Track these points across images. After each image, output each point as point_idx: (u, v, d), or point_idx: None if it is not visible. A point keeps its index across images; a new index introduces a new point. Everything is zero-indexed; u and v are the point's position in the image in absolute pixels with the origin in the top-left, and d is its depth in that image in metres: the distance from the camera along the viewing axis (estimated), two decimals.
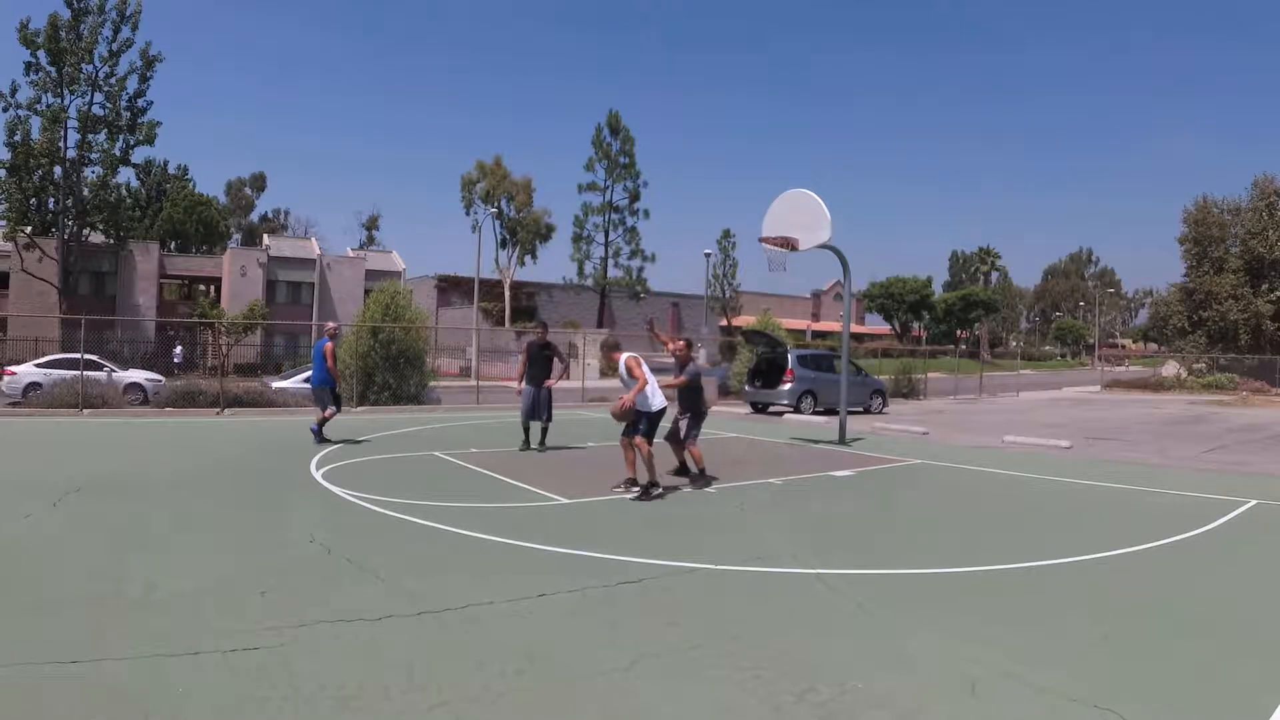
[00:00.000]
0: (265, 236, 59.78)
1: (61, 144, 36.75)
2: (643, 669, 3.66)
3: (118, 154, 38.26)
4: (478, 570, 5.24)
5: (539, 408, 11.57)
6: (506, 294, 48.63)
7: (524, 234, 48.51)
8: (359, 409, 17.30)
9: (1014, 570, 5.59)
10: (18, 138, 35.82)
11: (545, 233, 49.26)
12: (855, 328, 66.58)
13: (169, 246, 57.28)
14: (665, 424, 8.60)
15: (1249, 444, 14.87)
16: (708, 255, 46.77)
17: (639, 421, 8.02)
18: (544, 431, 11.73)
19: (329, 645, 3.84)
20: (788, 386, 19.42)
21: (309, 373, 21.23)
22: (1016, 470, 10.67)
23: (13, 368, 22.48)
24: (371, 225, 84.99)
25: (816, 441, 13.63)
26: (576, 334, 35.41)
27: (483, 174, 48.82)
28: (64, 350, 25.29)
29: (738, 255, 58.08)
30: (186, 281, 50.50)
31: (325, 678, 3.44)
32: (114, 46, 37.05)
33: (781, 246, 13.15)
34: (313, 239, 56.94)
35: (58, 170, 37.39)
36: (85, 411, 15.21)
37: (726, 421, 17.42)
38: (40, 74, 36.00)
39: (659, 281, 63.31)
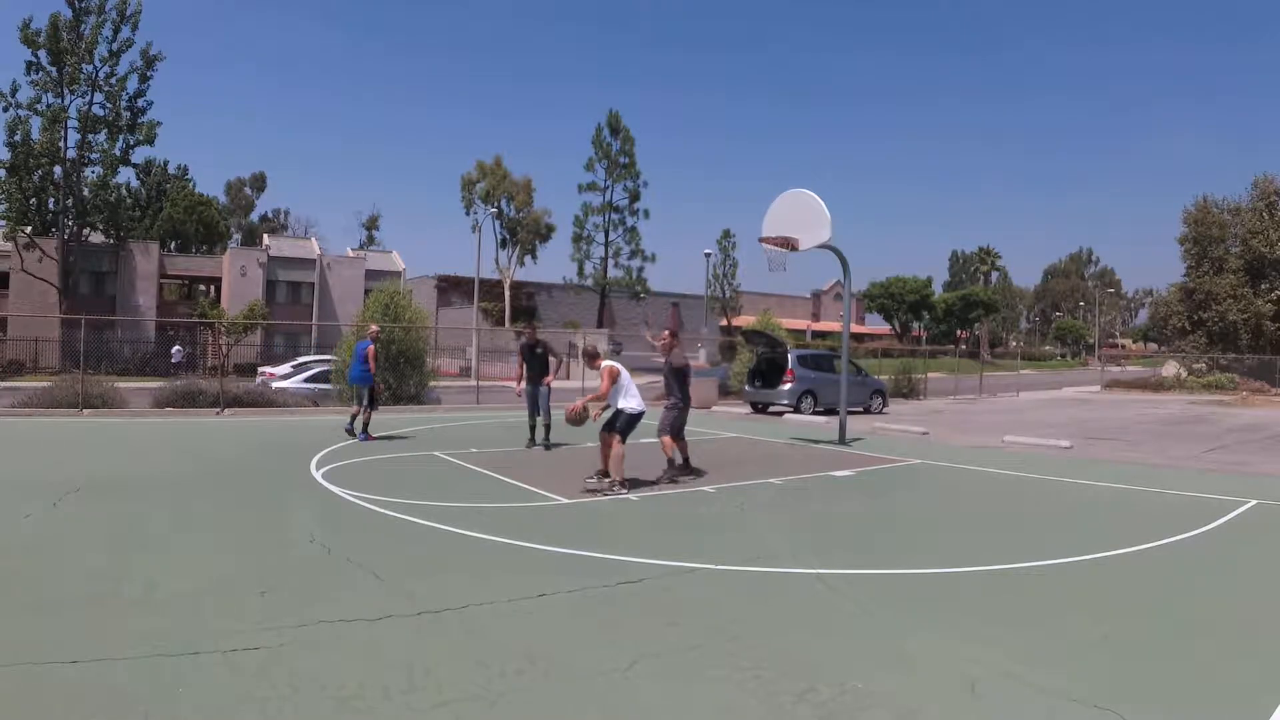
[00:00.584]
0: (265, 236, 59.80)
1: (62, 144, 36.78)
2: (643, 669, 3.66)
3: (118, 154, 38.31)
4: (478, 570, 5.24)
5: (540, 406, 11.82)
6: (506, 294, 48.63)
7: (524, 234, 48.52)
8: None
9: (1014, 570, 5.59)
10: (18, 138, 35.86)
11: (545, 233, 49.28)
12: (855, 328, 66.60)
13: (169, 246, 57.29)
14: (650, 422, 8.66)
15: (1249, 444, 14.87)
16: (708, 255, 46.80)
17: (617, 420, 8.32)
18: (546, 429, 11.89)
19: (329, 645, 3.84)
20: (788, 386, 19.41)
21: (309, 373, 21.42)
22: (1016, 470, 10.67)
23: (271, 369, 23.46)
24: (371, 225, 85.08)
25: (816, 441, 13.63)
26: (576, 334, 35.41)
27: (483, 174, 48.82)
28: (64, 350, 25.34)
29: (738, 255, 58.14)
30: (186, 281, 50.52)
31: (325, 678, 3.44)
32: (114, 46, 37.12)
33: (781, 246, 13.16)
34: (313, 239, 56.97)
35: (58, 170, 37.42)
36: (85, 411, 15.21)
37: (726, 421, 17.42)
38: (41, 74, 36.04)
39: (659, 281, 63.33)
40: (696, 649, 3.92)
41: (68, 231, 38.30)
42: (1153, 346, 71.19)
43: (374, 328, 13.40)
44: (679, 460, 9.21)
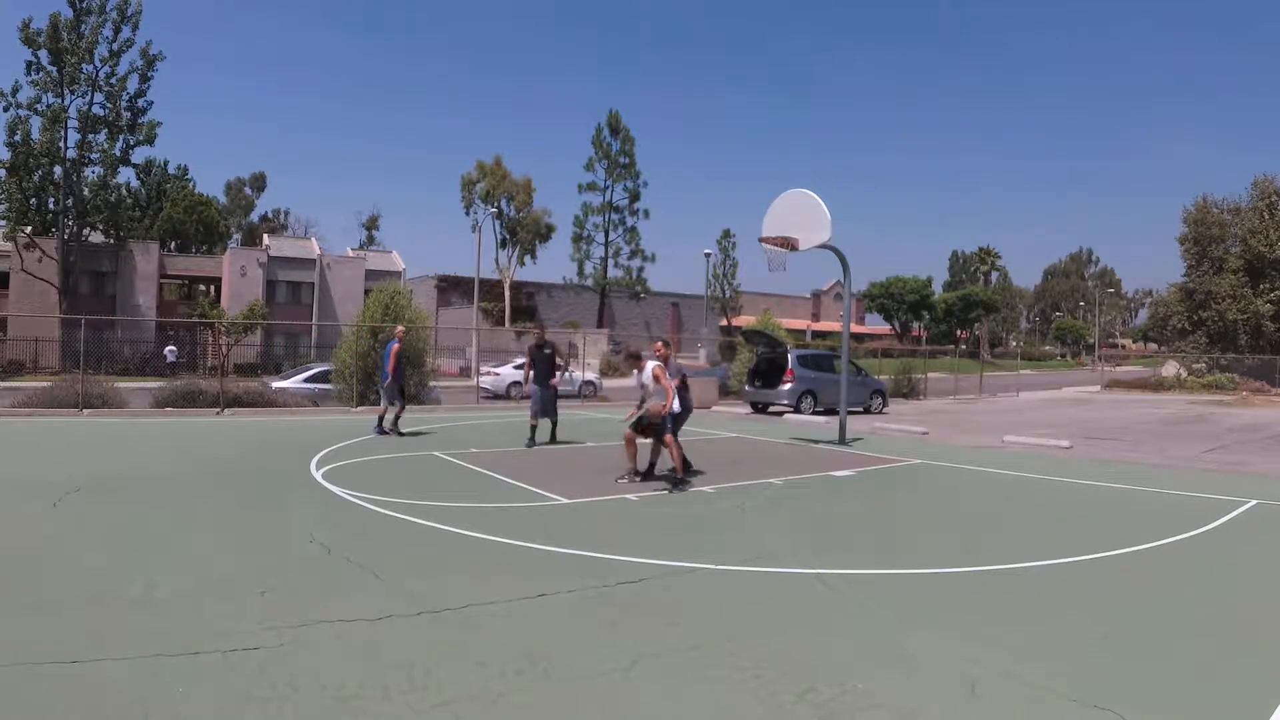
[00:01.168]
0: (265, 236, 59.77)
1: (62, 144, 36.78)
2: (643, 669, 3.66)
3: (118, 154, 38.32)
4: (478, 570, 5.24)
5: (546, 407, 12.08)
6: (506, 294, 48.65)
7: (524, 234, 48.52)
8: (359, 409, 17.30)
9: (1014, 570, 5.59)
10: (18, 138, 35.86)
11: (545, 233, 49.28)
12: (855, 328, 66.58)
13: (169, 246, 57.25)
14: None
15: (1249, 444, 14.87)
16: (708, 255, 46.82)
17: (664, 422, 8.67)
18: (553, 428, 12.24)
19: (329, 645, 3.84)
20: (788, 386, 19.42)
21: (309, 372, 21.43)
22: (1016, 470, 10.67)
23: (496, 368, 24.20)
24: (371, 225, 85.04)
25: (816, 441, 13.63)
26: (576, 334, 35.43)
27: (483, 174, 48.83)
28: (64, 350, 25.35)
29: (738, 255, 58.19)
30: (186, 281, 50.50)
31: (325, 678, 3.44)
32: (114, 46, 37.14)
33: (781, 246, 13.16)
34: (313, 239, 56.95)
35: (58, 170, 37.43)
36: (85, 411, 15.21)
37: (726, 421, 17.42)
38: (41, 74, 36.04)
39: (659, 281, 63.39)
40: (696, 649, 3.92)
41: (68, 231, 38.30)
42: (1152, 346, 71.14)
43: (400, 329, 13.87)
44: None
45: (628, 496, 8.00)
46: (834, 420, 14.71)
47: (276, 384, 20.07)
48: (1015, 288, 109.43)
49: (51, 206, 38.76)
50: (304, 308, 47.17)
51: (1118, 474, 10.51)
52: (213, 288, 48.82)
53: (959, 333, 77.53)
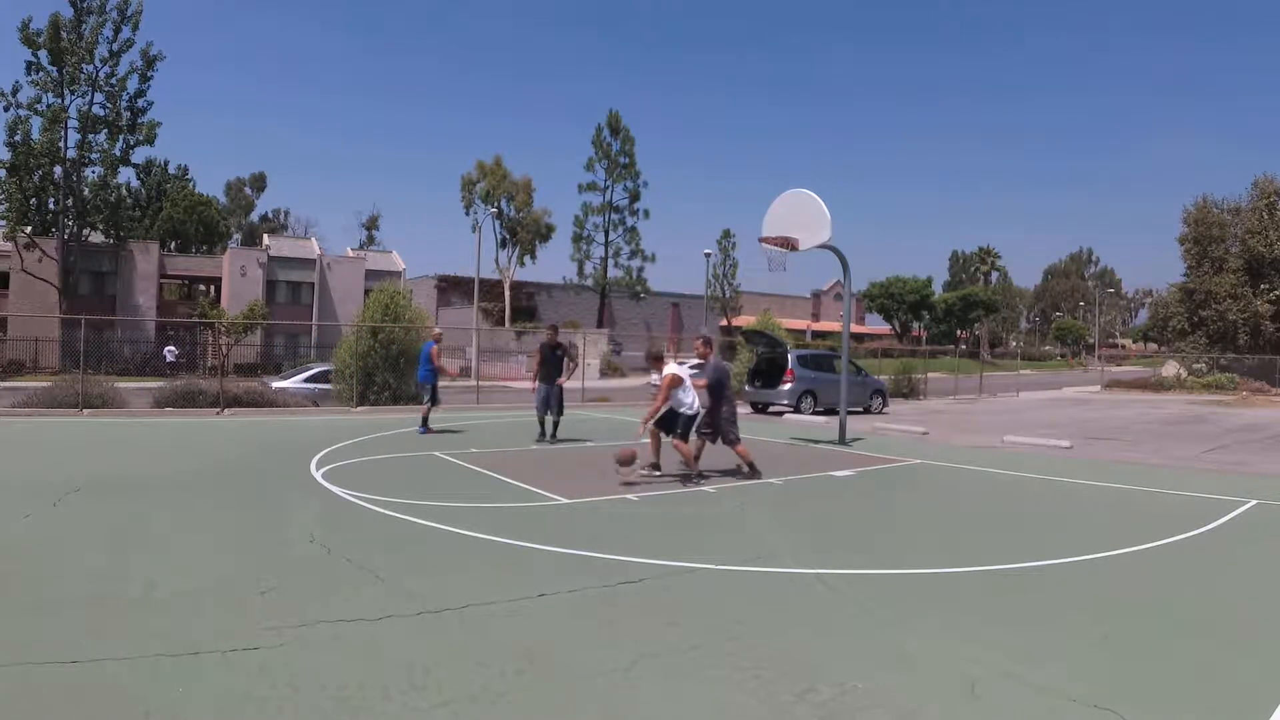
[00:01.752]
0: (265, 236, 59.74)
1: (62, 144, 36.77)
2: (643, 669, 3.66)
3: (118, 154, 38.30)
4: (478, 570, 5.24)
5: (552, 403, 12.49)
6: (506, 294, 48.61)
7: (524, 234, 48.48)
8: (359, 409, 17.30)
9: (1014, 570, 5.59)
10: (18, 138, 35.85)
11: (545, 233, 49.23)
12: (855, 328, 66.57)
13: (169, 246, 57.25)
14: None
15: (1249, 444, 14.87)
16: (708, 255, 46.82)
17: (675, 423, 8.89)
18: (555, 425, 12.63)
19: (329, 645, 3.84)
20: (788, 386, 19.41)
21: (309, 372, 21.42)
22: (1016, 470, 10.67)
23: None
24: (371, 225, 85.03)
25: (816, 441, 13.63)
26: (576, 334, 35.42)
27: (483, 174, 48.78)
28: (64, 350, 25.34)
29: (738, 255, 58.21)
30: (186, 281, 50.49)
31: (325, 678, 3.44)
32: (114, 46, 37.13)
33: (781, 246, 13.16)
34: (313, 239, 56.92)
35: (58, 170, 37.41)
36: (85, 411, 15.21)
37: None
38: (41, 74, 36.03)
39: (659, 281, 63.38)
40: (696, 649, 3.92)
41: (68, 231, 38.29)
42: (1152, 347, 71.13)
43: (436, 330, 14.58)
44: (741, 464, 9.40)
45: (628, 496, 8.00)
46: (834, 420, 14.71)
47: (276, 384, 20.06)
48: (1015, 288, 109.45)
49: (51, 206, 38.75)
50: (304, 308, 47.15)
51: (1117, 474, 10.51)
52: (213, 288, 48.81)
53: (959, 333, 77.51)
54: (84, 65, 36.25)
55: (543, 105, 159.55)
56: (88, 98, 37.01)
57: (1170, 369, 39.51)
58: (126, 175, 48.13)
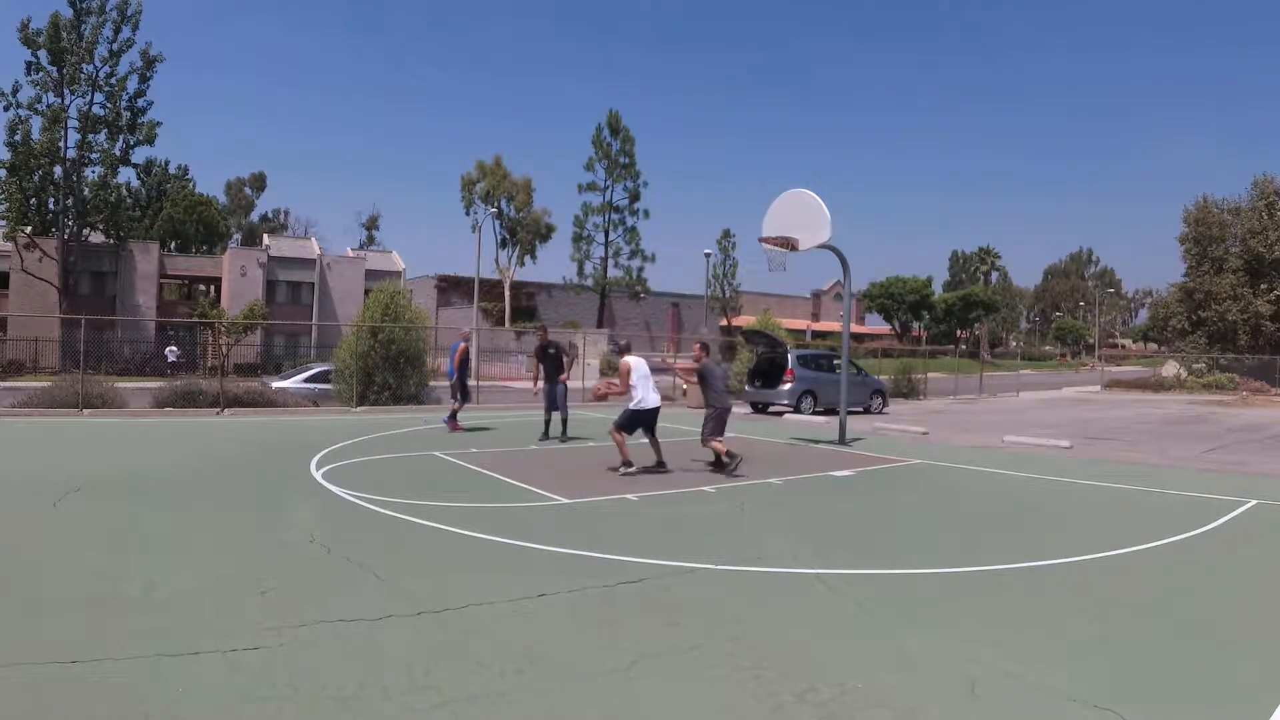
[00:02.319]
0: (265, 236, 59.74)
1: (62, 144, 36.77)
2: (643, 669, 3.66)
3: (118, 154, 38.29)
4: (478, 570, 5.24)
5: (556, 403, 12.66)
6: (506, 294, 48.60)
7: (524, 234, 48.47)
8: (359, 409, 17.30)
9: (1014, 570, 5.59)
10: (18, 138, 35.84)
11: (545, 233, 49.22)
12: (855, 328, 66.57)
13: (169, 246, 57.23)
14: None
15: (1249, 444, 14.87)
16: (708, 255, 46.84)
17: (623, 415, 9.45)
18: (564, 424, 12.75)
19: (329, 645, 3.84)
20: (788, 386, 19.42)
21: (309, 372, 21.42)
22: (1016, 470, 10.67)
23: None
24: (371, 225, 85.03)
25: (816, 441, 13.63)
26: (576, 334, 35.42)
27: (483, 174, 48.76)
28: (64, 350, 25.32)
29: (738, 255, 58.10)
30: (186, 281, 50.48)
31: (325, 678, 3.44)
32: (114, 46, 37.13)
33: (781, 246, 13.16)
34: (313, 239, 56.92)
35: (58, 170, 37.41)
36: (85, 411, 15.21)
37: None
38: (41, 74, 36.03)
39: (659, 281, 63.29)
40: (696, 649, 3.92)
41: (68, 231, 38.28)
42: (1153, 346, 71.11)
43: (466, 330, 14.92)
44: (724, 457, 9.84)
45: (628, 496, 8.00)
46: (834, 420, 14.71)
47: (276, 384, 20.06)
48: (1015, 288, 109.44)
49: (51, 206, 38.73)
50: (304, 308, 47.14)
51: (1117, 474, 10.51)
52: (213, 288, 48.80)
53: (959, 333, 77.54)
54: (84, 65, 36.25)
55: (543, 105, 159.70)
56: (88, 98, 37.02)
57: (1170, 369, 39.51)
58: (126, 175, 48.09)
